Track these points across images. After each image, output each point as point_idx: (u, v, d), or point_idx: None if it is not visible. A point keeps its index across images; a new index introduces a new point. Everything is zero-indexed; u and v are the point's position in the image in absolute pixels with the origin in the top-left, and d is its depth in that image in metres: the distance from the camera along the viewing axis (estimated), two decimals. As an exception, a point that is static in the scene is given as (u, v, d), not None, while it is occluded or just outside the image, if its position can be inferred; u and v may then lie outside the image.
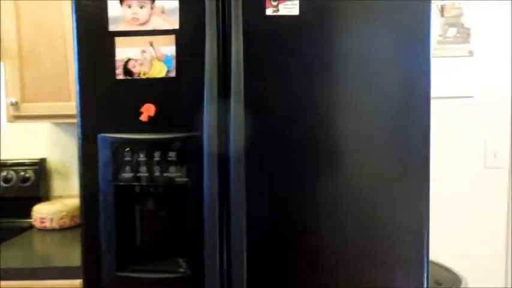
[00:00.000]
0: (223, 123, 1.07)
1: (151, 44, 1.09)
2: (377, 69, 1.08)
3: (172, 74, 1.09)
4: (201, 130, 1.06)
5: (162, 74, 1.09)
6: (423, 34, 1.08)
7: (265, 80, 1.10)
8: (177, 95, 1.10)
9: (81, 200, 1.14)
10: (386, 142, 1.09)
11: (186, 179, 1.10)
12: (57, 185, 1.99)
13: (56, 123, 1.95)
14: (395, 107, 1.08)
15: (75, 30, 1.10)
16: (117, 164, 1.10)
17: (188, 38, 1.09)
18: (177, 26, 1.08)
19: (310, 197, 1.11)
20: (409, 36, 1.08)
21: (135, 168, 1.10)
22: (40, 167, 1.90)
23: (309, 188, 1.11)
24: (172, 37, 1.09)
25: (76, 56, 1.11)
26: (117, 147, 1.10)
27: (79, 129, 1.12)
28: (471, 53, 1.87)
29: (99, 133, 1.11)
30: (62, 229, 1.75)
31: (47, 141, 1.97)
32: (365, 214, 1.11)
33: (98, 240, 1.13)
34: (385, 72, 1.08)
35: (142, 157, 1.10)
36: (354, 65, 1.08)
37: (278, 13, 1.07)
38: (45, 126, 1.96)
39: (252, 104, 1.07)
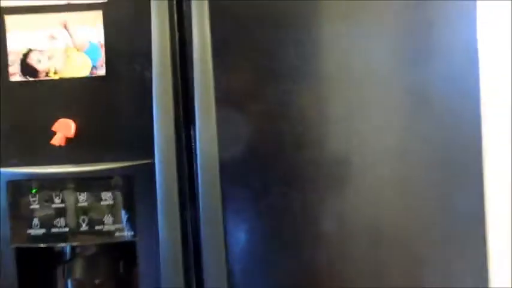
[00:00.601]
0: (186, 143, 0.73)
1: (64, 26, 0.70)
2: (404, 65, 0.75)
3: (101, 71, 0.71)
4: (152, 156, 0.68)
5: (85, 72, 0.71)
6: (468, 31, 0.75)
7: (242, 77, 0.74)
8: (110, 103, 0.72)
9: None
10: (426, 160, 0.76)
11: (131, 233, 0.72)
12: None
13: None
14: (436, 111, 0.75)
15: None
16: (19, 215, 0.72)
17: (124, 15, 0.71)
18: (105, -3, 0.70)
19: (317, 243, 0.76)
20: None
21: (49, 221, 0.71)
22: None
23: (310, 230, 0.75)
24: (98, 14, 0.71)
25: None
26: (18, 188, 0.71)
27: (-46, 163, 0.72)
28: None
29: (-13, 168, 0.71)
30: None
31: None
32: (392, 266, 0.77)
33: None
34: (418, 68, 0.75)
35: (58, 202, 0.71)
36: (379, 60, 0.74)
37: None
38: None
39: (225, 112, 0.71)
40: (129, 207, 0.72)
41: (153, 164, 0.69)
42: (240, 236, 0.75)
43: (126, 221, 0.72)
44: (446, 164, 0.76)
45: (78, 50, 0.71)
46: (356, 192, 0.76)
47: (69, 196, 0.71)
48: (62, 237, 0.72)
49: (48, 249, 0.77)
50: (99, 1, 0.70)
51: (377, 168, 0.76)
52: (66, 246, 0.77)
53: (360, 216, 0.76)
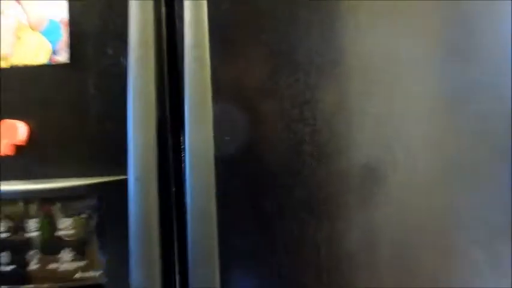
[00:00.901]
0: (173, 153, 0.56)
1: (16, -2, 0.54)
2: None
3: (63, 57, 0.54)
4: (126, 170, 0.50)
5: (43, 58, 0.54)
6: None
7: (249, 67, 0.57)
8: (74, 99, 0.55)
9: None
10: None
11: (97, 273, 0.54)
12: None
13: None
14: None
15: None
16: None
17: (94, -14, 0.55)
18: (70, -37, 0.54)
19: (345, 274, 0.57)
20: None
21: (-13, 257, 0.53)
22: None
23: (335, 260, 0.57)
24: (62, -17, 0.54)
25: None
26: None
27: None
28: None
29: None
30: None
31: None
32: None
33: None
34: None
35: (2, 232, 0.53)
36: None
37: None
38: None
39: (224, 112, 0.54)
40: (97, 238, 0.54)
41: (128, 180, 0.51)
42: (246, 278, 0.56)
43: (92, 257, 0.54)
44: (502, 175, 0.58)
45: (33, 29, 0.54)
46: (391, 213, 0.57)
47: (16, 223, 0.54)
48: (4, 278, 0.54)
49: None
50: (63, -33, 0.54)
51: (420, 184, 0.58)
52: (16, 289, 0.58)
53: (394, 245, 0.58)
